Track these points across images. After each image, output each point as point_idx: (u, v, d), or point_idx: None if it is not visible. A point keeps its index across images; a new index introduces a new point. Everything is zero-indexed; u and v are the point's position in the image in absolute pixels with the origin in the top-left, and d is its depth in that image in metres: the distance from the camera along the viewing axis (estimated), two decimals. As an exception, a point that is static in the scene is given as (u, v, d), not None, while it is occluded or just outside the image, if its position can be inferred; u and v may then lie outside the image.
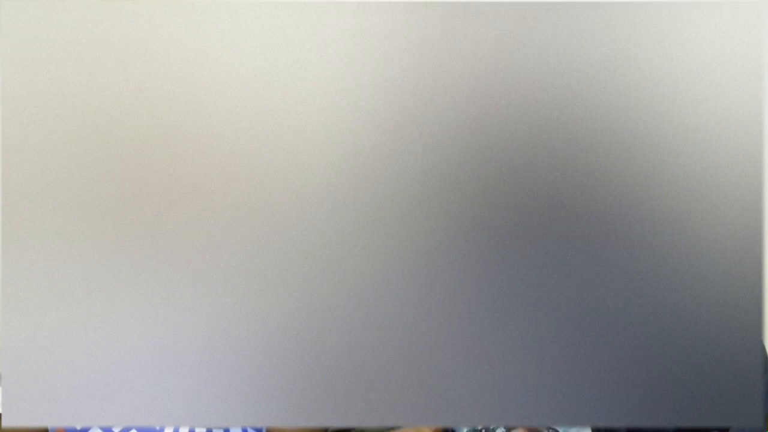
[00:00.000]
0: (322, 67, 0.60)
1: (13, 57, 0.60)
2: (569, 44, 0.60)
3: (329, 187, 0.60)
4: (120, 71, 0.60)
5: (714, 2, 0.61)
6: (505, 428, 0.83)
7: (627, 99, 0.61)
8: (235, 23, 0.60)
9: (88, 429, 0.79)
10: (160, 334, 0.60)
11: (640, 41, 0.61)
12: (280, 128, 0.60)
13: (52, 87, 0.60)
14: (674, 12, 0.61)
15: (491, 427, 0.84)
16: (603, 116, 0.61)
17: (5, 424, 0.61)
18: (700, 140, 0.61)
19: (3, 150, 0.60)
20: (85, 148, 0.60)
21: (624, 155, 0.61)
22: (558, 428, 0.84)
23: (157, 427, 0.79)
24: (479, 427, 0.85)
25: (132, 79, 0.60)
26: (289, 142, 0.60)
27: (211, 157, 0.60)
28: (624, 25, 0.61)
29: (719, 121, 0.61)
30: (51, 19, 0.60)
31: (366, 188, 0.60)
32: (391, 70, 0.60)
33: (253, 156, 0.60)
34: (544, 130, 0.60)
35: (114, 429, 0.79)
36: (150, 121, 0.60)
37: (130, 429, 0.79)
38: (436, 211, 0.60)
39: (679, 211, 0.61)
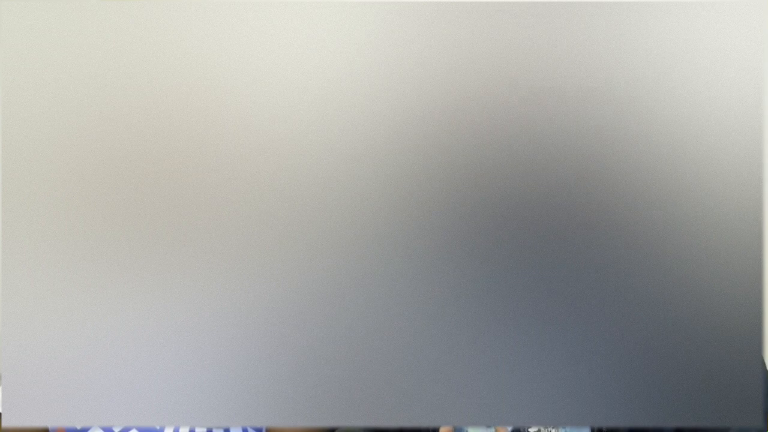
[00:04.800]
0: (322, 67, 0.60)
1: (13, 57, 0.60)
2: (568, 44, 0.60)
3: (331, 187, 0.60)
4: (120, 71, 0.60)
5: (714, 2, 0.61)
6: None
7: (627, 99, 0.61)
8: (235, 23, 0.60)
9: (88, 429, 0.79)
10: (161, 334, 0.60)
11: (640, 41, 0.61)
12: (280, 128, 0.60)
13: (52, 87, 0.60)
14: (674, 12, 0.61)
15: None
16: (602, 116, 0.60)
17: (5, 424, 0.61)
18: (699, 140, 0.61)
19: (3, 150, 0.60)
20: (85, 147, 0.60)
21: (623, 156, 0.61)
22: (555, 428, 0.84)
23: (157, 427, 0.79)
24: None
25: (132, 79, 0.60)
26: (291, 142, 0.60)
27: (210, 158, 0.60)
28: (624, 25, 0.61)
29: (719, 121, 0.61)
30: (51, 19, 0.60)
31: (369, 188, 0.60)
32: (391, 70, 0.60)
33: (252, 156, 0.60)
34: (543, 130, 0.60)
35: (114, 429, 0.79)
36: (150, 120, 0.60)
37: (130, 429, 0.79)
38: (439, 211, 0.60)
39: (679, 211, 0.61)
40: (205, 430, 0.80)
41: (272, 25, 0.60)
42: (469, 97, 0.60)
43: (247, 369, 0.60)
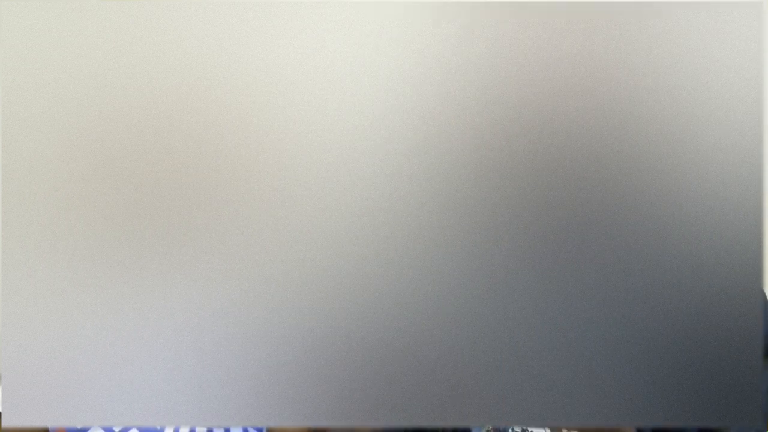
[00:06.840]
0: (322, 67, 0.61)
1: (13, 57, 0.60)
2: (568, 44, 0.60)
3: (332, 186, 0.60)
4: (120, 71, 0.60)
5: (714, 2, 0.61)
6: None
7: (627, 99, 0.61)
8: (235, 23, 0.60)
9: (88, 429, 0.79)
10: (161, 334, 0.60)
11: (640, 42, 0.61)
12: (280, 128, 0.60)
13: (52, 87, 0.60)
14: (674, 12, 0.61)
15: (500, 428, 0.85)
16: (602, 116, 0.61)
17: (5, 424, 0.61)
18: (700, 140, 0.61)
19: (3, 150, 0.60)
20: (85, 147, 0.60)
21: (624, 156, 0.61)
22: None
23: (158, 427, 0.79)
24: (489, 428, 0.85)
25: (132, 79, 0.60)
26: (291, 142, 0.60)
27: (210, 158, 0.60)
28: (624, 25, 0.61)
29: (719, 121, 0.61)
30: (51, 19, 0.60)
31: (369, 188, 0.60)
32: (391, 70, 0.60)
33: (252, 156, 0.60)
34: (544, 129, 0.60)
35: (114, 429, 0.79)
36: (150, 120, 0.60)
37: (131, 429, 0.79)
38: (440, 211, 0.60)
39: (680, 211, 0.61)
40: (205, 430, 0.80)
41: (272, 25, 0.60)
42: (470, 96, 0.60)
43: (247, 369, 0.60)
